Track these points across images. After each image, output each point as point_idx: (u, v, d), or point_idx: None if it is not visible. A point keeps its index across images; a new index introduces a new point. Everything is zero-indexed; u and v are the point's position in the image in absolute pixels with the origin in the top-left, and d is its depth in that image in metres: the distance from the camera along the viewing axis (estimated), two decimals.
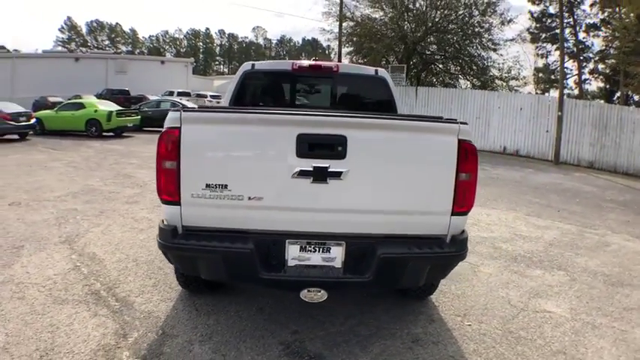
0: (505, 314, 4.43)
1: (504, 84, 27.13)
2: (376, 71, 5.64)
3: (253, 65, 5.64)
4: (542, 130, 19.72)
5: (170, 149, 3.12)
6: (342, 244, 3.26)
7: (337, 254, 3.26)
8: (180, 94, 37.97)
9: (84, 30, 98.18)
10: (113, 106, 21.83)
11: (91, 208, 7.96)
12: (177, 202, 3.19)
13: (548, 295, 4.99)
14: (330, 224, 3.24)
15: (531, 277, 5.50)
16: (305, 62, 5.58)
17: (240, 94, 5.51)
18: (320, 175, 3.12)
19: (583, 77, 39.88)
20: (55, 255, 5.63)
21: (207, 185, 3.13)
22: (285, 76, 5.79)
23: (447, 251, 3.28)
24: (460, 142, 3.19)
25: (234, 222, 3.22)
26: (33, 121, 19.48)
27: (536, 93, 37.38)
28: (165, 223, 3.30)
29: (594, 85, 42.47)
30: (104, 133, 20.59)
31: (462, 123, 3.21)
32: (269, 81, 5.90)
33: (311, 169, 3.10)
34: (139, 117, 22.79)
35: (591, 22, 38.00)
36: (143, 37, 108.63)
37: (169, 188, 3.18)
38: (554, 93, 38.11)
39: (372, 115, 3.27)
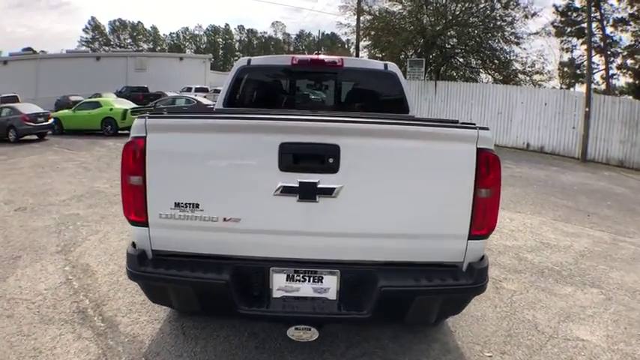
0: (531, 342, 3.93)
1: (528, 78, 26.26)
2: (385, 65, 5.10)
3: (249, 61, 5.15)
4: (568, 127, 18.92)
5: (135, 162, 2.69)
6: (337, 272, 2.77)
7: (331, 284, 2.78)
8: (197, 89, 38.31)
9: (107, 29, 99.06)
10: (128, 104, 21.79)
11: (93, 213, 7.71)
12: (145, 223, 2.76)
13: (581, 318, 4.47)
14: (322, 250, 2.77)
15: (561, 295, 4.97)
16: (306, 56, 5.07)
17: (233, 93, 5.04)
18: (308, 193, 2.66)
19: (610, 72, 38.65)
20: (49, 267, 5.39)
21: (177, 204, 2.69)
22: (283, 72, 5.27)
23: (463, 283, 2.75)
24: (480, 151, 2.68)
25: (208, 247, 2.78)
26: (51, 121, 19.63)
27: (561, 88, 36.30)
28: (133, 246, 2.87)
29: (622, 80, 41.12)
30: (120, 132, 20.46)
31: (481, 128, 2.70)
32: (266, 78, 5.41)
33: (296, 185, 2.65)
34: None
35: (619, 16, 36.71)
36: (164, 35, 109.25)
37: (136, 207, 2.75)
38: (579, 88, 36.99)
39: (370, 120, 2.78)
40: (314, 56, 5.10)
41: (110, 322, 4.08)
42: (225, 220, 2.70)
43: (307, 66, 4.98)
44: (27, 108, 19.17)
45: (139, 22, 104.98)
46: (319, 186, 2.65)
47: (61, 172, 11.45)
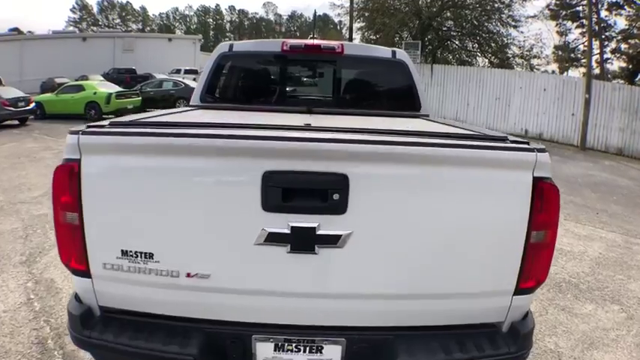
0: None
1: (526, 62, 25.67)
2: (393, 53, 4.27)
3: (231, 46, 4.30)
4: (567, 113, 18.40)
5: (68, 194, 2.01)
6: (341, 341, 2.08)
7: (333, 355, 2.10)
8: (187, 71, 37.47)
9: (95, 9, 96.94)
10: (113, 88, 20.95)
11: None
12: (87, 273, 2.08)
13: (605, 343, 3.98)
14: (322, 314, 2.09)
15: (582, 315, 4.46)
16: (299, 41, 4.26)
17: (212, 85, 4.22)
18: (303, 242, 1.96)
19: (605, 57, 38.07)
20: (11, 282, 4.81)
21: (124, 253, 2.00)
22: (273, 61, 4.45)
23: (504, 353, 2.04)
24: (537, 181, 1.99)
25: (171, 307, 2.09)
26: (32, 105, 18.77)
27: (553, 72, 35.75)
28: (76, 300, 2.19)
29: (616, 64, 40.58)
30: (104, 116, 19.63)
31: (539, 150, 2.03)
32: (251, 67, 4.57)
33: (287, 231, 1.94)
34: (140, 98, 21.81)
35: (614, 0, 36.03)
36: (153, 15, 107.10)
37: (74, 251, 2.07)
38: (572, 72, 36.42)
39: (392, 139, 1.97)
40: (308, 41, 4.27)
41: (71, 357, 3.52)
42: (189, 275, 2.00)
43: (300, 53, 4.21)
44: (7, 92, 18.25)
45: (128, 2, 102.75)
46: (319, 232, 1.94)
47: (37, 162, 10.79)
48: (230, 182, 1.99)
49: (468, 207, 1.99)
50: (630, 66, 36.98)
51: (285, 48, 4.12)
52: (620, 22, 35.73)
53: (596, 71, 37.42)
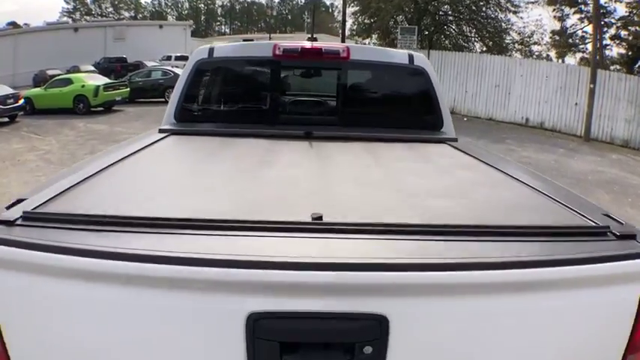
0: None
1: (525, 49, 25.13)
2: (411, 58, 3.55)
3: (211, 51, 3.54)
4: (570, 102, 17.86)
5: None
6: None
7: None
8: (177, 58, 36.87)
9: None
10: (101, 80, 20.40)
11: None
12: None
13: None
14: None
15: None
16: (294, 45, 3.50)
17: (188, 102, 3.51)
18: None
19: (604, 43, 37.52)
20: None
21: None
22: (262, 68, 3.71)
23: None
24: None
25: None
26: (21, 102, 18.20)
27: (556, 58, 35.21)
28: None
29: (615, 51, 40.07)
30: (92, 109, 19.15)
31: None
32: (236, 77, 3.85)
33: None
34: (128, 89, 21.33)
35: None
36: (145, 2, 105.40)
37: None
38: (569, 59, 35.90)
39: (460, 262, 1.30)
40: (306, 44, 3.53)
41: None
42: None
43: (296, 59, 3.51)
44: None
45: None
46: None
47: (20, 167, 10.23)
48: (194, 328, 1.27)
49: (554, 342, 1.37)
50: (630, 53, 36.56)
51: (277, 52, 3.40)
52: (620, 9, 35.09)
53: (596, 58, 37.05)
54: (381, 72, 3.73)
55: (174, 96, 3.51)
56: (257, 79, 3.87)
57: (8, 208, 1.55)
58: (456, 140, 3.19)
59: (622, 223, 1.59)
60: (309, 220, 1.50)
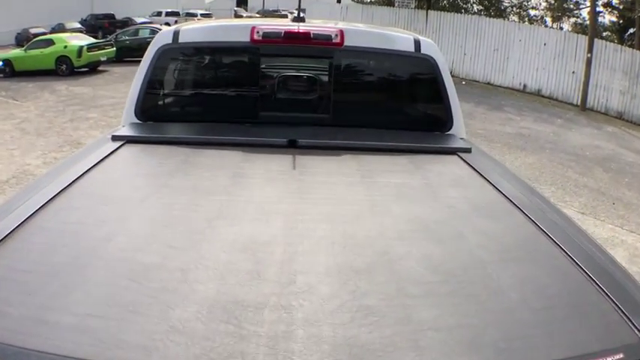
0: None
1: (523, 12, 24.41)
2: (417, 44, 3.01)
3: (176, 35, 2.98)
4: (567, 70, 17.49)
5: None
6: None
7: None
8: (169, 14, 35.92)
9: None
10: (85, 40, 19.54)
11: None
12: None
13: None
14: None
15: None
16: (276, 27, 2.98)
17: (149, 96, 3.00)
18: None
19: (597, 10, 36.61)
20: None
21: None
22: (237, 56, 3.18)
23: None
24: None
25: None
26: None
27: (551, 22, 34.29)
28: None
29: (607, 18, 39.21)
30: (76, 70, 18.36)
31: None
32: (206, 68, 3.30)
33: None
34: (114, 49, 20.46)
35: None
36: None
37: None
38: (564, 24, 35.07)
39: None
40: (291, 27, 2.94)
41: None
42: None
43: (279, 44, 2.93)
44: None
45: None
46: None
47: None
48: None
49: None
50: (621, 21, 35.85)
51: (255, 37, 2.86)
52: None
53: (588, 24, 36.23)
54: (382, 61, 3.17)
55: (134, 88, 2.98)
56: (232, 70, 3.32)
57: None
58: (469, 151, 2.63)
59: None
60: None
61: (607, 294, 1.35)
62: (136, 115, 2.97)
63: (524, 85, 18.73)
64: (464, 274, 1.51)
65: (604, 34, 28.20)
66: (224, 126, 2.94)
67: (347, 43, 2.91)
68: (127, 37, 22.92)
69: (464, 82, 18.07)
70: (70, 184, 1.95)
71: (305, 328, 1.21)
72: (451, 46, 20.12)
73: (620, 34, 33.61)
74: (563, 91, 17.69)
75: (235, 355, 1.11)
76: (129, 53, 21.23)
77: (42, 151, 8.79)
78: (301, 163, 2.39)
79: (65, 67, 18.25)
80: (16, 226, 1.60)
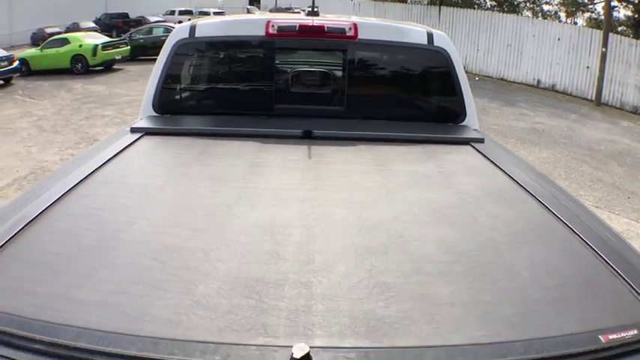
0: None
1: (537, 8, 24.20)
2: (430, 37, 3.07)
3: (193, 30, 3.06)
4: (582, 65, 17.28)
5: None
6: None
7: None
8: (181, 12, 36.09)
9: None
10: (99, 39, 19.72)
11: None
12: None
13: None
14: None
15: None
16: (291, 21, 3.04)
17: (167, 90, 3.08)
18: None
19: (612, 4, 36.07)
20: None
21: None
22: (253, 50, 3.24)
23: None
24: None
25: None
26: (16, 64, 17.54)
27: (565, 17, 33.94)
28: None
29: (622, 13, 38.68)
30: (91, 69, 18.60)
31: None
32: (222, 61, 3.34)
33: None
34: (128, 48, 20.61)
35: None
36: None
37: None
38: (577, 19, 34.65)
39: None
40: (305, 21, 3.01)
41: None
42: None
43: (294, 38, 3.00)
44: None
45: None
46: None
47: (11, 136, 9.88)
48: None
49: None
50: (636, 16, 35.32)
51: (270, 31, 2.94)
52: None
53: (603, 18, 35.67)
54: (395, 54, 3.23)
55: (152, 82, 3.07)
56: (248, 63, 3.37)
57: None
58: (482, 141, 2.68)
59: None
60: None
61: (621, 275, 1.37)
62: (154, 108, 3.04)
63: (538, 81, 18.58)
64: (477, 254, 1.54)
65: (619, 28, 27.79)
66: (240, 118, 2.99)
67: (360, 36, 2.97)
68: (141, 36, 23.00)
69: (477, 78, 17.99)
70: (91, 173, 2.01)
71: (324, 303, 1.25)
72: (464, 41, 20.02)
73: (635, 28, 33.03)
74: (577, 86, 17.50)
75: (257, 327, 1.15)
76: (143, 52, 21.39)
77: (59, 147, 8.93)
78: (316, 153, 2.43)
79: (80, 66, 18.50)
80: (42, 211, 1.66)
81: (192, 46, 3.13)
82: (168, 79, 3.08)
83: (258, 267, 1.41)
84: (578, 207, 1.96)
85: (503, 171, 2.21)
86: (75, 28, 28.05)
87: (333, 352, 1.07)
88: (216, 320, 1.17)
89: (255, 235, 1.61)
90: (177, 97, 3.24)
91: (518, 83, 18.64)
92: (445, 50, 3.03)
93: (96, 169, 2.06)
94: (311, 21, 3.03)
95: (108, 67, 19.42)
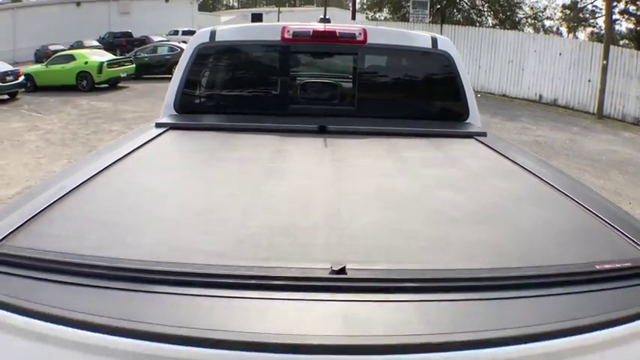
0: None
1: (538, 23, 24.49)
2: (434, 42, 3.28)
3: (213, 34, 3.28)
4: (583, 79, 17.45)
5: None
6: None
7: None
8: (185, 32, 36.49)
9: None
10: (105, 56, 19.98)
11: None
12: None
13: None
14: None
15: None
16: (305, 27, 3.25)
17: (188, 90, 3.29)
18: None
19: (613, 18, 36.39)
20: None
21: None
22: (270, 54, 3.48)
23: None
24: None
25: None
26: (22, 79, 17.77)
27: (567, 33, 34.29)
28: None
29: (624, 25, 38.96)
30: (96, 86, 18.80)
31: None
32: (241, 64, 3.58)
33: None
34: (133, 66, 20.82)
35: None
36: None
37: None
38: (579, 34, 34.98)
39: None
40: (318, 27, 3.25)
41: None
42: None
43: (307, 42, 3.24)
44: None
45: None
46: None
47: (19, 147, 10.02)
48: None
49: None
50: (638, 28, 35.59)
51: (286, 36, 3.16)
52: None
53: (610, 34, 35.98)
54: (402, 57, 3.48)
55: (173, 84, 3.29)
56: (264, 66, 3.61)
57: None
58: (485, 135, 2.88)
59: None
60: (329, 272, 1.21)
61: (614, 227, 1.51)
62: (175, 108, 3.25)
63: (540, 96, 18.74)
64: (483, 211, 1.72)
65: (621, 42, 28.07)
66: (257, 117, 3.21)
67: (370, 40, 3.19)
68: (145, 55, 23.29)
69: (479, 95, 18.03)
70: (125, 156, 2.16)
71: (351, 240, 1.43)
72: (466, 59, 20.11)
73: (637, 41, 33.34)
74: (579, 99, 17.65)
75: (297, 255, 1.32)
76: (148, 70, 21.70)
77: (68, 159, 9.04)
78: (332, 143, 2.63)
79: (86, 83, 18.67)
80: (83, 182, 1.80)
81: (212, 50, 3.36)
82: (189, 80, 3.29)
83: (292, 218, 1.60)
84: (575, 182, 2.15)
85: (505, 156, 2.39)
86: (79, 46, 28.42)
87: (365, 272, 1.21)
88: (259, 252, 1.33)
89: (285, 197, 1.81)
90: (198, 96, 3.46)
91: (520, 99, 18.80)
92: (448, 53, 3.25)
93: (128, 153, 2.22)
94: (323, 27, 3.25)
95: (113, 84, 19.63)
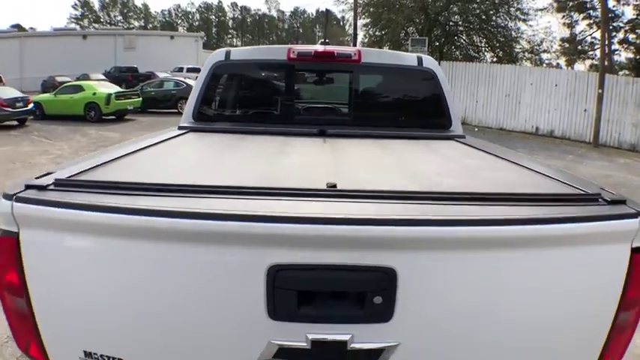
0: None
1: (535, 57, 25.13)
2: (420, 60, 3.76)
3: (228, 54, 3.76)
4: (579, 109, 17.85)
5: (8, 274, 1.52)
6: None
7: None
8: (189, 69, 37.21)
9: (97, 6, 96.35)
10: (113, 88, 20.54)
11: None
12: None
13: None
14: None
15: None
16: (307, 48, 3.76)
17: (206, 101, 3.71)
18: None
19: (612, 48, 37.22)
20: None
21: (88, 355, 1.54)
22: (277, 71, 3.96)
23: None
24: (635, 253, 1.53)
25: None
26: (31, 106, 18.30)
27: (566, 65, 35.03)
28: None
29: (623, 55, 39.74)
30: (104, 117, 19.26)
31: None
32: (252, 79, 4.08)
33: (306, 345, 1.46)
34: (140, 99, 21.34)
35: None
36: (155, 12, 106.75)
37: (27, 340, 1.60)
38: (579, 65, 35.73)
39: (467, 218, 1.45)
40: (319, 48, 3.78)
41: None
42: None
43: (309, 61, 3.71)
44: (5, 92, 17.80)
45: None
46: (353, 346, 1.46)
47: (31, 169, 10.32)
48: (218, 278, 1.47)
49: (548, 298, 1.52)
50: (638, 57, 36.21)
51: (291, 56, 3.62)
52: (628, 12, 34.84)
53: (605, 63, 36.69)
54: (392, 74, 3.91)
55: (192, 97, 3.74)
56: (272, 82, 4.12)
57: (38, 178, 1.72)
58: (463, 137, 3.39)
59: (613, 193, 1.74)
60: (325, 187, 1.69)
61: (570, 184, 1.95)
62: (194, 117, 3.68)
63: (537, 128, 19.11)
64: (465, 174, 2.20)
65: (621, 72, 28.62)
66: (265, 125, 3.68)
67: (364, 60, 3.67)
68: (152, 89, 23.74)
69: (476, 129, 18.51)
70: (156, 143, 2.66)
71: (349, 183, 1.79)
72: (463, 94, 20.74)
73: (637, 70, 33.81)
74: (575, 129, 17.99)
75: (302, 182, 1.76)
76: (154, 104, 22.15)
77: None
78: (332, 142, 3.11)
79: (94, 114, 19.14)
80: (129, 153, 2.33)
81: (227, 67, 3.81)
82: (207, 93, 3.74)
83: (299, 172, 2.10)
84: (543, 165, 2.58)
85: (478, 148, 2.92)
86: (85, 78, 28.96)
87: (351, 190, 1.66)
88: (275, 183, 1.76)
89: (293, 165, 2.31)
90: (214, 107, 3.90)
91: (517, 132, 19.11)
92: (432, 70, 3.74)
93: (158, 142, 2.71)
94: (323, 48, 3.78)
95: (120, 116, 20.11)
